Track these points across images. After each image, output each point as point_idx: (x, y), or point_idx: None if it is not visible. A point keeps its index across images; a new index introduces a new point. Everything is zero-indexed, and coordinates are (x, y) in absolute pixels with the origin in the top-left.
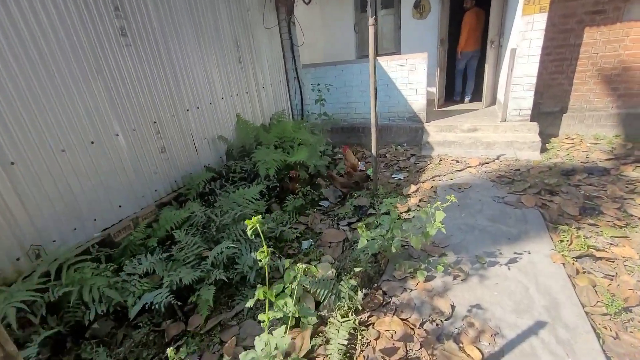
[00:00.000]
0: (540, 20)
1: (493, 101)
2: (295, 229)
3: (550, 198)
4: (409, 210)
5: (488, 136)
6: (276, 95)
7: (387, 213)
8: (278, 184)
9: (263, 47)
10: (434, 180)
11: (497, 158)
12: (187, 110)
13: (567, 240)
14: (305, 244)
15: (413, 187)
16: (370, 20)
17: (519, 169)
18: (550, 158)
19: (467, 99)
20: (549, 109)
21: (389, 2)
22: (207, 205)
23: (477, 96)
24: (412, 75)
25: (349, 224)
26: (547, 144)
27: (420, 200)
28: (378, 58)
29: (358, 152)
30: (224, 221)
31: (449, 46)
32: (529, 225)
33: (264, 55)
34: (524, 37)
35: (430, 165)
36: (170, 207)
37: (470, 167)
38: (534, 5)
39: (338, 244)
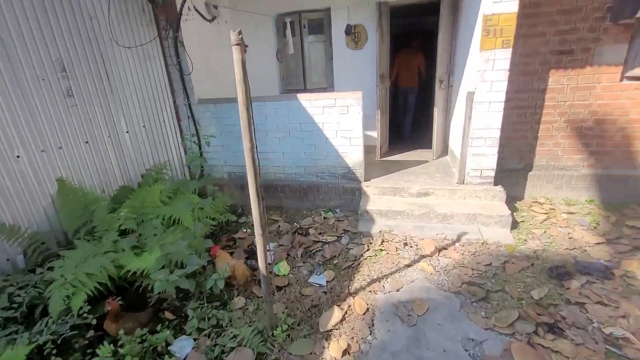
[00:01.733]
0: (502, 58)
1: (445, 150)
2: None
3: (554, 344)
4: None
5: (444, 204)
6: (155, 142)
7: None
8: (94, 323)
9: (128, 74)
10: (371, 291)
11: (458, 240)
12: None
13: None
14: None
15: (337, 313)
16: (233, 37)
17: (490, 264)
18: (525, 240)
19: (405, 134)
20: (511, 165)
21: (317, 27)
22: None
23: (426, 143)
24: (343, 120)
25: None
26: (515, 213)
27: (345, 353)
28: (301, 95)
29: (273, 222)
30: None
31: (391, 83)
32: None
33: (130, 84)
34: (483, 78)
35: (368, 254)
36: None
37: (425, 256)
38: (494, 39)
39: None
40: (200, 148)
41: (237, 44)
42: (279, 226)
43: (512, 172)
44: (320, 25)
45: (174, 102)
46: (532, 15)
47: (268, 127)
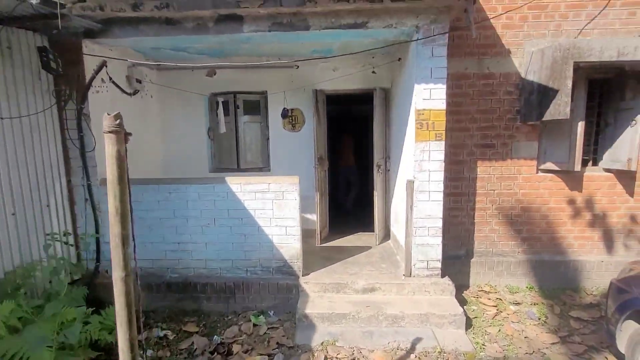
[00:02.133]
0: (437, 149)
1: (387, 233)
2: None
3: None
4: None
5: (392, 302)
6: (29, 233)
7: None
8: None
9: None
10: None
11: (413, 349)
12: None
13: None
14: None
15: None
16: (106, 123)
17: None
18: (483, 345)
19: (348, 205)
20: (453, 252)
21: (253, 107)
22: None
23: (368, 224)
24: (279, 208)
25: None
26: (465, 306)
27: None
28: (230, 179)
29: (188, 335)
30: None
31: (330, 165)
32: None
33: (1, 162)
34: (421, 167)
35: None
36: None
37: None
38: (428, 131)
39: None
40: (97, 240)
41: (111, 132)
42: (193, 343)
43: (455, 260)
44: (256, 106)
45: (69, 181)
46: (457, 112)
47: (189, 214)
